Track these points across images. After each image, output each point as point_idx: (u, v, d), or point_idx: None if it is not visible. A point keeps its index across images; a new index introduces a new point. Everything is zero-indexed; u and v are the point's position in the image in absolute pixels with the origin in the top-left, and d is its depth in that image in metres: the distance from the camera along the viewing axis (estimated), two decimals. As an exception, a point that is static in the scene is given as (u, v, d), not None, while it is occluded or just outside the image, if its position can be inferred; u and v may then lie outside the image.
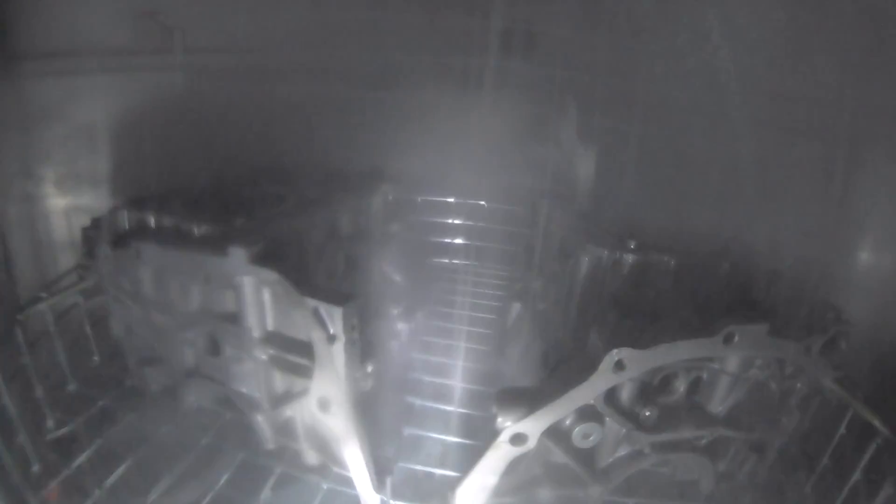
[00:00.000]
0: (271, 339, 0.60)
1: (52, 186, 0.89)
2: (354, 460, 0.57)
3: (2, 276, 0.78)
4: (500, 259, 0.96)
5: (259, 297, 0.58)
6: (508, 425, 0.51)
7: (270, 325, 0.60)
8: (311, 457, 0.64)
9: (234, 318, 0.60)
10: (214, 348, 0.62)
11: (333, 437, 0.59)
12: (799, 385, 0.60)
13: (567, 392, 0.50)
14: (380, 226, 0.83)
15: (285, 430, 0.65)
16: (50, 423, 0.67)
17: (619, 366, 0.51)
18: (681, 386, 0.60)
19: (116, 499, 0.61)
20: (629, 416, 0.55)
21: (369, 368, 0.57)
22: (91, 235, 0.66)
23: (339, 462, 0.60)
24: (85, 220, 0.69)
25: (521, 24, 0.88)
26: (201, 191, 0.66)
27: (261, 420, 0.63)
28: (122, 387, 0.73)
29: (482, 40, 0.87)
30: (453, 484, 0.53)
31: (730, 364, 0.59)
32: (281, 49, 0.86)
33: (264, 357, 0.60)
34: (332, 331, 0.53)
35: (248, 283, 0.57)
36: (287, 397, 0.64)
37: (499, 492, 0.55)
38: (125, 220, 0.66)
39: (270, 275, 0.54)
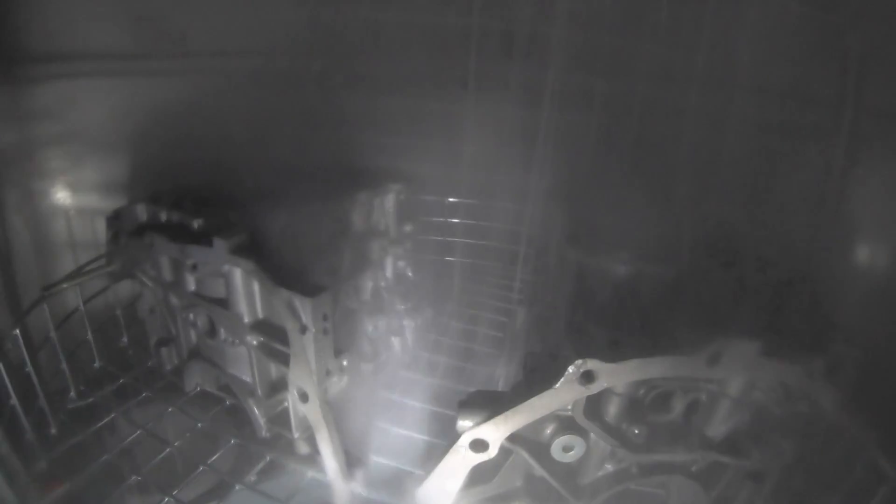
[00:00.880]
0: (260, 326, 0.63)
1: (51, 187, 0.93)
2: (325, 450, 0.58)
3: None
4: (500, 259, 0.94)
5: (249, 286, 0.61)
6: (468, 428, 0.50)
7: (260, 313, 0.63)
8: (302, 446, 0.66)
9: (227, 304, 0.63)
10: (212, 331, 0.66)
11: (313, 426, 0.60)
12: (802, 410, 0.55)
13: (528, 399, 0.49)
14: (394, 225, 0.84)
15: (280, 419, 0.67)
16: (72, 394, 0.73)
17: (588, 377, 0.48)
18: (677, 406, 0.56)
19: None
20: (613, 432, 0.53)
21: (344, 362, 0.58)
22: (114, 224, 0.71)
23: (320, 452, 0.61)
24: (84, 221, 0.74)
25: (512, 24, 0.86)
26: (207, 188, 0.70)
27: (254, 406, 0.66)
28: (144, 367, 0.78)
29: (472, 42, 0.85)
30: (416, 484, 0.53)
31: (731, 386, 0.55)
32: (280, 52, 0.88)
33: (255, 343, 0.62)
34: (303, 321, 0.54)
35: (237, 272, 0.60)
36: (280, 386, 0.66)
37: (475, 500, 0.54)
38: (143, 212, 0.72)
39: (248, 265, 0.56)
